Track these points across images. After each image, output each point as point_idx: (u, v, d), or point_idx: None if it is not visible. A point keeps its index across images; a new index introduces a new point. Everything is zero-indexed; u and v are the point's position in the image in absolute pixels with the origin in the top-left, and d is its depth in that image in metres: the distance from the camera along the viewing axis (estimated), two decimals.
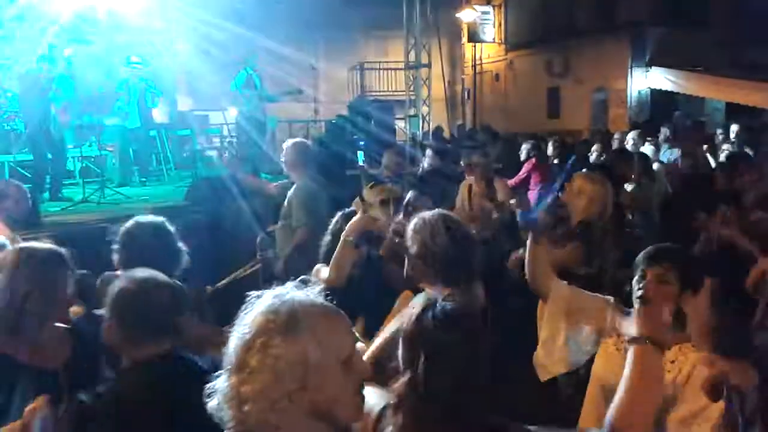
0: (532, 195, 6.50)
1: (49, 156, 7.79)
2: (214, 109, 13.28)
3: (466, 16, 16.46)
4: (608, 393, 2.04)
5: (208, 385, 1.31)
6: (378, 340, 2.72)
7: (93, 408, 1.93)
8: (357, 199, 6.32)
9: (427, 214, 2.56)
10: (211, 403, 1.31)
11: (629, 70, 16.20)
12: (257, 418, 1.26)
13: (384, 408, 1.64)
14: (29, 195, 4.46)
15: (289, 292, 1.35)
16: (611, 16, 16.10)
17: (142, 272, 2.14)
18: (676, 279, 2.23)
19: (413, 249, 2.53)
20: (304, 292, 1.36)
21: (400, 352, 1.65)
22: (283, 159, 5.42)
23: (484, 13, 17.41)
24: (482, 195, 5.62)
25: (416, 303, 1.74)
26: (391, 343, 2.66)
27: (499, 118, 17.03)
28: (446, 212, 2.64)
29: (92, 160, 9.44)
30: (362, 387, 1.37)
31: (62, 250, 2.35)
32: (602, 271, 3.41)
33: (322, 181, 5.50)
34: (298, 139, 5.63)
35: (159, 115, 11.71)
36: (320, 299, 1.38)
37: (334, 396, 1.31)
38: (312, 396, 1.28)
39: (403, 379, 1.58)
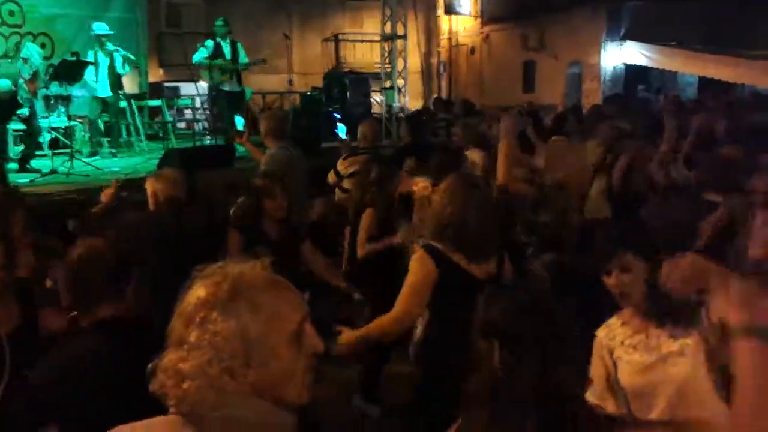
0: None
1: (19, 124, 7.64)
2: (185, 80, 13.04)
3: None
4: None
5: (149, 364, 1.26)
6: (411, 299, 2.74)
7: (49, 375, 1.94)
8: (331, 171, 6.33)
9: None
10: (153, 381, 1.25)
11: (603, 44, 16.22)
12: (196, 395, 1.20)
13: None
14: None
15: (236, 264, 1.29)
16: None
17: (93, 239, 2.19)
18: None
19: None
20: (252, 264, 1.30)
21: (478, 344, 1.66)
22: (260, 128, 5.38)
23: None
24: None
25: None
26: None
27: (474, 92, 16.99)
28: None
29: (61, 131, 9.25)
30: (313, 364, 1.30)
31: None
32: None
33: (298, 151, 5.47)
34: (274, 109, 5.58)
35: (129, 85, 11.50)
36: (268, 271, 1.31)
37: (280, 373, 1.25)
38: (256, 373, 1.22)
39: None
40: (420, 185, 4.32)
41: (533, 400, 1.55)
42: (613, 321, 2.26)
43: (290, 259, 3.64)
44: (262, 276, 1.29)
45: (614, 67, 16.22)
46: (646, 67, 15.52)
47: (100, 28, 8.84)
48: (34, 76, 7.73)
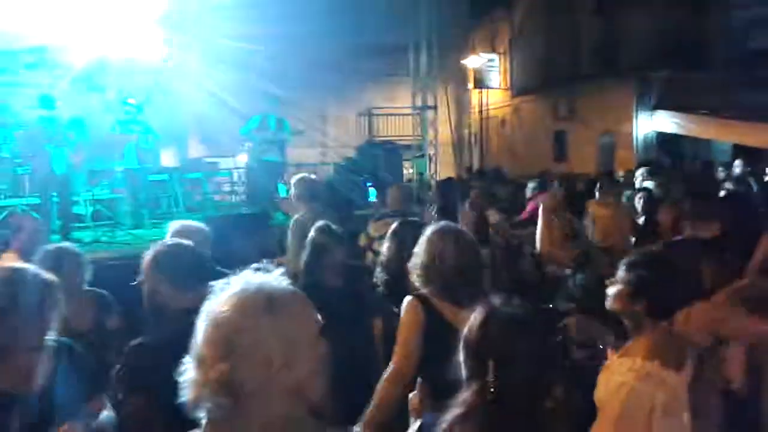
0: None
1: (55, 198, 7.91)
2: (224, 155, 13.47)
3: (472, 62, 16.77)
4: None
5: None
6: (400, 351, 2.79)
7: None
8: (362, 234, 6.42)
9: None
10: (189, 397, 1.30)
11: (635, 113, 16.35)
12: (250, 400, 1.28)
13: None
14: (43, 229, 4.56)
15: (258, 276, 1.38)
16: (615, 61, 16.33)
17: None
18: None
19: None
20: (271, 275, 1.40)
21: (462, 360, 1.71)
22: (290, 194, 5.52)
23: (489, 60, 17.72)
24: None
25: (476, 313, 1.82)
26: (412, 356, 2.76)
27: (506, 163, 17.15)
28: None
29: (104, 203, 9.57)
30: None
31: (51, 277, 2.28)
32: None
33: (330, 215, 5.58)
34: (304, 174, 5.75)
35: (169, 160, 11.92)
36: (285, 282, 1.40)
37: (307, 373, 1.33)
38: (292, 373, 1.30)
39: (470, 389, 1.62)
40: None
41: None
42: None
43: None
44: (285, 285, 1.38)
45: (645, 135, 16.31)
46: (678, 136, 15.56)
47: (132, 101, 9.18)
48: (79, 148, 8.07)
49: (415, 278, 3.01)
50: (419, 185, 10.67)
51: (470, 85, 18.20)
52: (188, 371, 1.32)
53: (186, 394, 1.31)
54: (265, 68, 13.99)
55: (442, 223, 3.15)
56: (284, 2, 13.35)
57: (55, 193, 7.93)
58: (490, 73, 17.98)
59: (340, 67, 15.53)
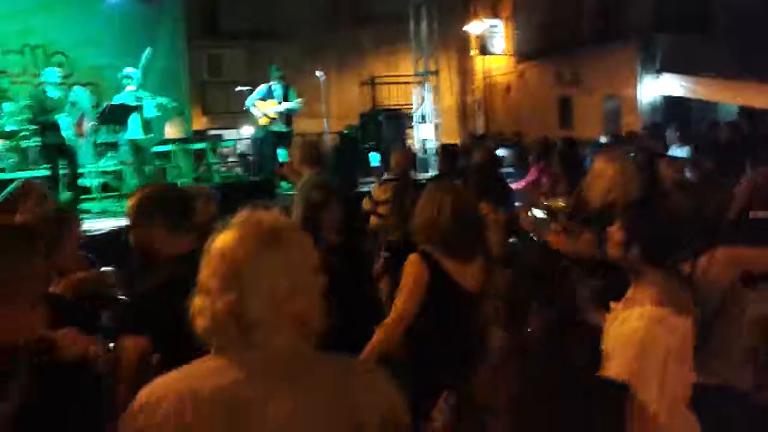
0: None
1: (63, 170, 8.01)
2: (227, 127, 13.49)
3: (474, 28, 16.61)
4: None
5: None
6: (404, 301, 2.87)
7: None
8: (366, 198, 6.47)
9: None
10: (197, 328, 1.37)
11: (639, 77, 16.22)
12: (243, 333, 1.34)
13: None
14: (50, 196, 4.61)
15: (260, 212, 1.45)
16: (617, 24, 16.17)
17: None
18: None
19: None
20: (273, 211, 1.47)
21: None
22: (291, 159, 5.55)
23: (492, 26, 17.55)
24: None
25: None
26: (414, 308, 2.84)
27: (511, 130, 17.10)
28: None
29: (111, 175, 9.64)
30: None
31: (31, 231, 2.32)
32: None
33: (335, 180, 5.64)
34: (307, 137, 5.77)
35: (174, 132, 11.96)
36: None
37: (309, 304, 1.39)
38: (295, 303, 1.36)
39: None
40: None
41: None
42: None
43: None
44: (287, 219, 1.47)
45: (652, 100, 16.19)
46: (684, 99, 15.44)
47: (129, 70, 9.17)
48: (81, 119, 8.14)
49: (417, 236, 3.07)
50: (422, 152, 10.69)
51: (473, 52, 18.04)
52: (194, 304, 1.38)
53: (194, 326, 1.38)
54: (270, 38, 13.99)
55: (440, 180, 3.21)
56: None
57: (64, 164, 8.02)
58: (494, 39, 17.81)
59: (343, 37, 15.47)
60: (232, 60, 14.92)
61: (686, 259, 2.59)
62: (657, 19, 15.30)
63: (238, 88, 10.30)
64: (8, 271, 2.03)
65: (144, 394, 1.40)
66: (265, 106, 9.54)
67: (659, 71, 15.89)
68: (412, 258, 2.97)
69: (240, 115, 11.55)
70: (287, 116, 9.69)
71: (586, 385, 1.82)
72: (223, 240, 1.39)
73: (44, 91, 8.03)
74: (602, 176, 3.64)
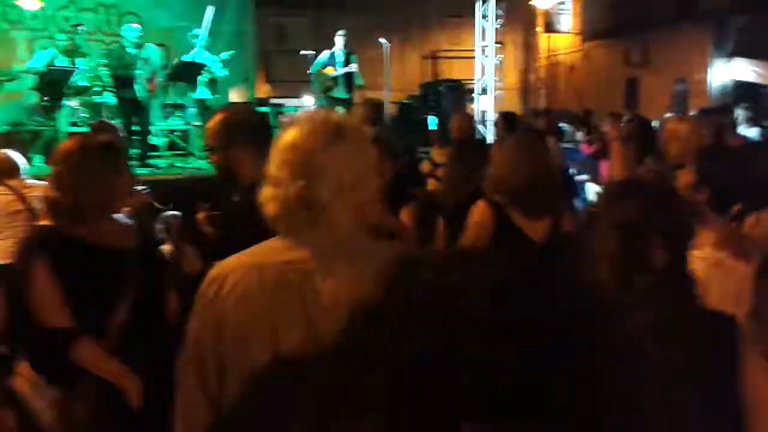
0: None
1: (135, 127, 8.32)
2: (290, 96, 13.65)
3: (541, 4, 16.34)
4: None
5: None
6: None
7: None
8: (425, 160, 6.49)
9: None
10: (268, 213, 1.48)
11: (710, 60, 15.74)
12: (324, 212, 1.45)
13: None
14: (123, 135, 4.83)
15: (322, 110, 1.59)
16: (691, 5, 15.68)
17: None
18: None
19: None
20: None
21: None
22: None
23: (559, 2, 17.24)
24: None
25: None
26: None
27: (574, 109, 16.84)
28: None
29: (178, 134, 9.94)
30: None
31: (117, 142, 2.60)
32: None
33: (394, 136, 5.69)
34: (369, 97, 5.84)
35: (239, 98, 12.19)
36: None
37: (369, 196, 1.51)
38: (358, 194, 1.47)
39: None
40: None
41: None
42: None
43: None
44: (352, 118, 1.57)
45: (722, 84, 15.71)
46: (756, 84, 14.94)
47: (200, 31, 9.43)
48: (153, 76, 8.40)
49: (488, 186, 3.09)
50: (482, 122, 10.65)
51: (539, 29, 17.78)
52: (264, 193, 1.48)
53: (265, 212, 1.49)
54: (335, 7, 14.08)
55: (518, 133, 3.20)
56: None
57: (135, 120, 8.34)
58: (560, 17, 17.52)
59: (406, 9, 15.43)
60: (296, 29, 15.06)
61: (748, 214, 2.58)
62: (732, 1, 14.79)
63: (303, 52, 10.44)
64: (110, 184, 2.27)
65: (215, 269, 1.51)
66: (327, 72, 9.67)
67: (731, 55, 15.41)
68: (480, 204, 2.99)
69: (302, 84, 11.69)
70: (348, 83, 9.78)
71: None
72: (293, 133, 1.48)
73: (123, 47, 8.35)
74: (676, 135, 3.63)
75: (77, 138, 2.46)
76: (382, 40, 10.69)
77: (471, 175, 4.39)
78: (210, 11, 9.88)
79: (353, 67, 9.63)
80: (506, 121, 6.83)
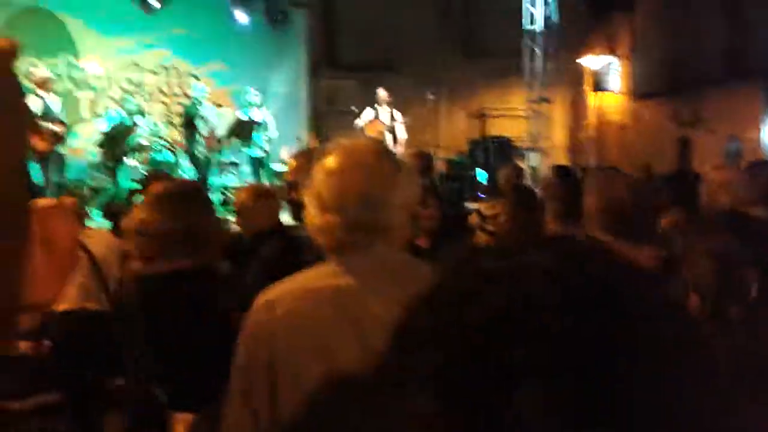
0: None
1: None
2: None
3: (589, 64, 16.44)
4: None
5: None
6: None
7: None
8: (473, 213, 6.51)
9: None
10: (324, 239, 1.56)
11: (762, 118, 15.49)
12: (353, 245, 1.52)
13: None
14: None
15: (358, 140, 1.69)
16: (741, 64, 15.55)
17: None
18: None
19: None
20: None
21: None
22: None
23: (608, 62, 17.31)
24: None
25: None
26: None
27: (624, 167, 16.65)
28: None
29: (231, 191, 10.21)
30: None
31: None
32: None
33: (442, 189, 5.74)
34: (418, 148, 5.92)
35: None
36: None
37: (411, 216, 1.60)
38: (403, 214, 1.57)
39: None
40: None
41: None
42: None
43: None
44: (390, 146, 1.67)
45: None
46: None
47: (255, 92, 9.81)
48: (212, 134, 8.73)
49: (586, 223, 3.08)
50: (533, 179, 10.64)
51: (587, 87, 17.82)
52: (312, 218, 1.54)
53: (316, 237, 1.56)
54: (385, 69, 14.43)
55: (604, 167, 3.22)
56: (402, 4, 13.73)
57: (194, 176, 8.67)
58: (609, 76, 17.53)
59: (454, 71, 15.70)
60: (347, 90, 15.45)
61: None
62: None
63: (352, 108, 10.71)
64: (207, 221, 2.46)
65: (265, 294, 1.56)
66: (372, 127, 9.88)
67: None
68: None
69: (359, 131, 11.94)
70: (394, 137, 9.97)
71: None
72: (336, 160, 1.54)
73: (194, 104, 8.76)
74: (725, 184, 3.61)
75: (170, 181, 2.75)
76: (430, 96, 10.87)
77: (529, 220, 4.38)
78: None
79: (399, 121, 9.83)
80: (560, 174, 6.81)
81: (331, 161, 1.54)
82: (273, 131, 9.81)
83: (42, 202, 4.54)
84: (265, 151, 9.74)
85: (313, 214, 1.54)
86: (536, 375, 0.46)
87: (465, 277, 0.59)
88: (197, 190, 2.61)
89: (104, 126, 8.89)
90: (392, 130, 9.92)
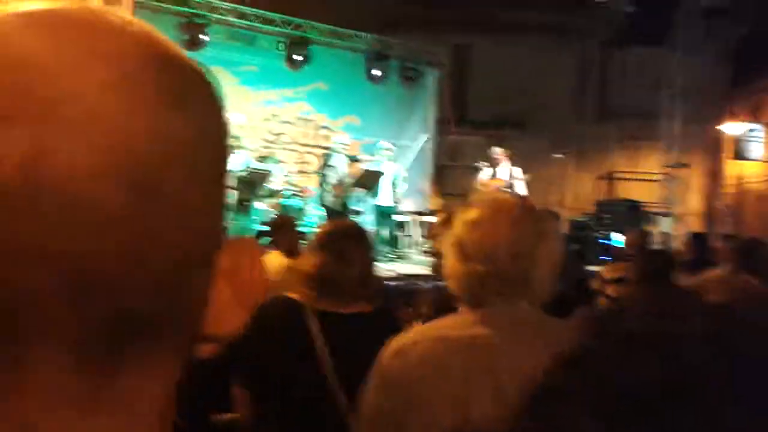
0: None
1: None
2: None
3: (730, 130, 15.67)
4: None
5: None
6: None
7: None
8: (595, 277, 6.31)
9: None
10: (466, 289, 1.59)
11: None
12: (524, 290, 1.56)
13: None
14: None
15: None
16: None
17: None
18: None
19: None
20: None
21: None
22: None
23: (750, 129, 16.42)
24: None
25: None
26: None
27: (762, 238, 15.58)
28: None
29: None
30: None
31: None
32: None
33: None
34: (540, 208, 5.86)
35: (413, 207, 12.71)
36: None
37: (551, 273, 1.61)
38: (542, 270, 1.57)
39: None
40: None
41: None
42: None
43: None
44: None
45: None
46: None
47: (386, 143, 10.13)
48: (339, 182, 9.07)
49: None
50: (664, 245, 10.19)
51: (726, 154, 16.94)
52: (451, 266, 1.56)
53: (456, 289, 1.58)
54: (513, 127, 14.47)
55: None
56: (534, 62, 13.72)
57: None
58: (750, 144, 16.60)
59: (584, 129, 15.47)
60: (473, 146, 15.55)
61: None
62: None
63: (475, 164, 10.78)
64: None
65: (397, 341, 1.56)
66: (489, 184, 9.87)
67: None
68: None
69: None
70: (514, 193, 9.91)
71: None
72: (481, 211, 1.57)
73: (328, 155, 9.19)
74: None
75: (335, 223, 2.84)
76: (558, 155, 10.75)
77: (657, 286, 4.21)
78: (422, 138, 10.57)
79: (519, 179, 9.78)
80: (698, 242, 6.54)
81: (475, 212, 1.56)
82: (401, 184, 10.06)
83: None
84: (395, 201, 10.02)
85: (452, 264, 1.54)
86: None
87: (614, 338, 0.56)
88: (365, 234, 2.55)
89: (238, 167, 9.41)
90: (511, 187, 9.86)
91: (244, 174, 9.31)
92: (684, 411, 0.46)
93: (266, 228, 8.98)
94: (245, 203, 9.29)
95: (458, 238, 1.56)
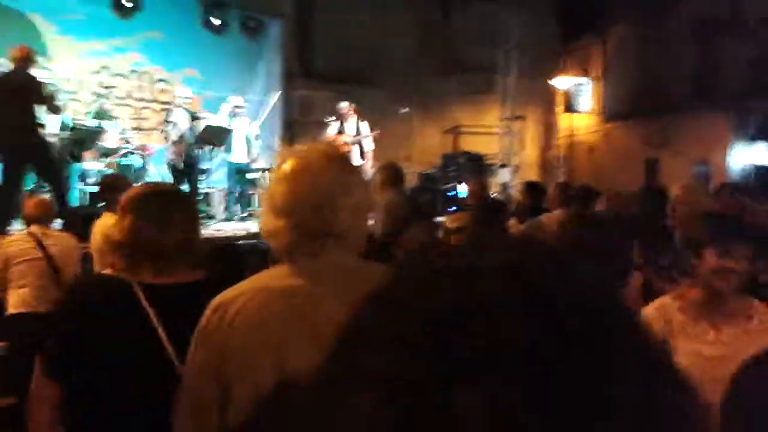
0: None
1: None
2: None
3: (561, 84, 16.66)
4: None
5: None
6: None
7: None
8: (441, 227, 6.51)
9: None
10: (277, 244, 1.58)
11: (731, 144, 15.83)
12: (303, 248, 1.57)
13: None
14: None
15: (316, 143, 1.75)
16: (711, 90, 15.89)
17: None
18: None
19: None
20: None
21: None
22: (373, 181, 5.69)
23: (579, 83, 17.56)
24: None
25: None
26: None
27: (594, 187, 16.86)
28: None
29: (200, 198, 10.09)
30: None
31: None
32: None
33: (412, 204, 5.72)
34: (389, 161, 5.91)
35: (264, 164, 12.45)
36: None
37: (366, 222, 1.68)
38: (359, 219, 1.60)
39: None
40: None
41: None
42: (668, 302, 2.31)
43: None
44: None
45: (743, 167, 15.70)
46: None
47: (237, 100, 9.79)
48: (180, 139, 8.62)
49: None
50: (502, 193, 10.71)
51: (559, 108, 18.06)
52: (266, 222, 1.53)
53: (271, 242, 1.54)
54: (359, 81, 14.47)
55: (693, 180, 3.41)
56: (377, 18, 13.77)
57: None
58: (580, 97, 17.78)
59: (428, 83, 15.80)
60: (323, 100, 15.43)
61: None
62: (753, 85, 14.96)
63: (325, 119, 10.70)
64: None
65: (219, 297, 1.53)
66: (337, 139, 9.86)
67: (753, 139, 15.47)
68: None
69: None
70: (361, 150, 9.96)
71: None
72: (293, 164, 1.54)
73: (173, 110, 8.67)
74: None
75: (148, 184, 2.53)
76: (404, 110, 10.90)
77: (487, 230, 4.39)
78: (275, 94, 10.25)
79: (366, 134, 9.84)
80: (532, 189, 6.87)
81: (285, 166, 1.56)
82: (255, 141, 9.83)
83: None
84: (251, 159, 9.77)
85: (265, 218, 1.55)
86: (482, 376, 0.44)
87: (415, 274, 0.56)
88: (185, 197, 2.40)
89: (64, 125, 8.67)
90: (359, 143, 9.89)
91: (71, 131, 8.61)
92: (478, 336, 0.46)
93: (97, 189, 8.43)
94: (73, 162, 8.61)
95: (269, 192, 1.55)
